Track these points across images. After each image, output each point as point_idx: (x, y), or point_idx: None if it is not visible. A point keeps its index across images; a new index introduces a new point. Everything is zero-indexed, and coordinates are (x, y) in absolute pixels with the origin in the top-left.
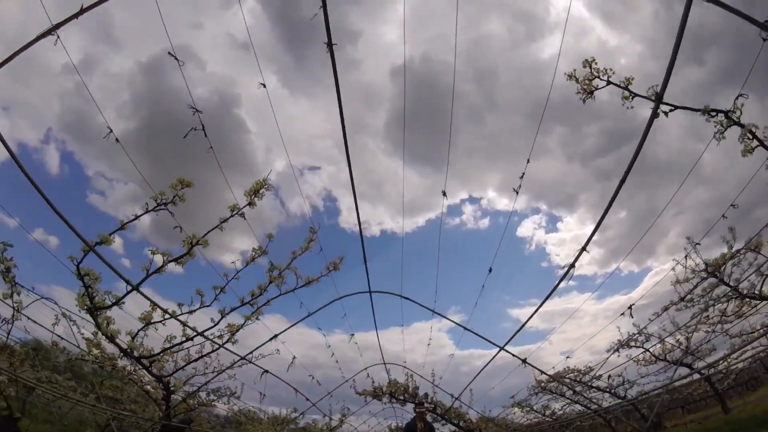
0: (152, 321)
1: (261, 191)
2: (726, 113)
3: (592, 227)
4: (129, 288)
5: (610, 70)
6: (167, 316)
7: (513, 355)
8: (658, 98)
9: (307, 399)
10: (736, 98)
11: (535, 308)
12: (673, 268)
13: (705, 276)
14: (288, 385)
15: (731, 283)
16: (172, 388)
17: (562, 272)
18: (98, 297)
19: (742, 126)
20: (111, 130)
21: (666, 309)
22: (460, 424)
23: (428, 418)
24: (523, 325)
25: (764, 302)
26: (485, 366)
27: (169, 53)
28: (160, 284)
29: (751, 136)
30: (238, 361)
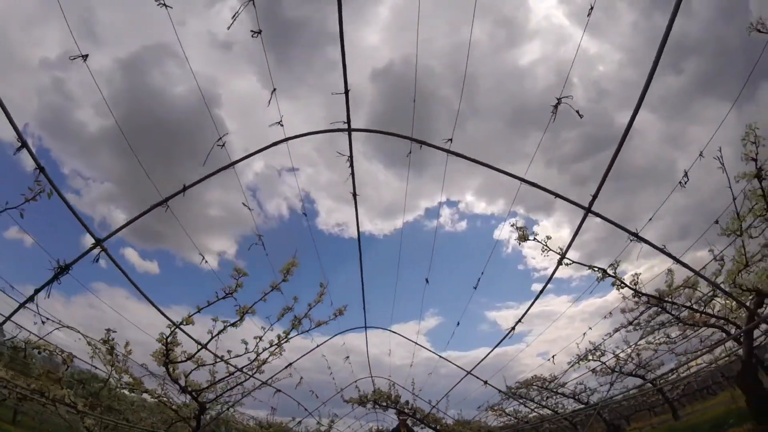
0: (203, 363)
1: (292, 269)
2: (605, 270)
3: (568, 230)
4: (199, 347)
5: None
6: (217, 360)
7: (477, 377)
8: (561, 255)
9: (306, 409)
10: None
11: (517, 316)
12: (623, 298)
13: (649, 306)
14: (294, 400)
15: (673, 312)
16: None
17: (538, 275)
18: (173, 353)
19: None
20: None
21: (617, 330)
22: (437, 428)
23: (408, 422)
24: (494, 348)
25: (703, 328)
26: (452, 388)
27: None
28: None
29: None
30: (260, 385)
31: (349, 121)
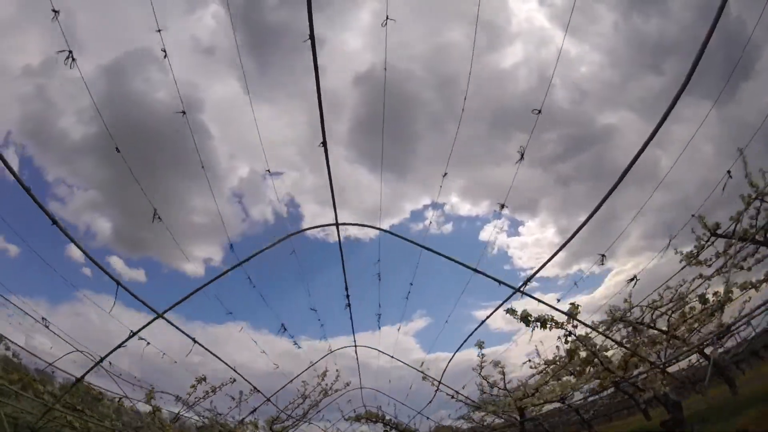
0: None
1: None
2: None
3: (552, 230)
4: None
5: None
6: None
7: (448, 387)
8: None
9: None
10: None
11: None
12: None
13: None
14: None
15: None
16: None
17: (524, 275)
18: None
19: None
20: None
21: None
22: None
23: None
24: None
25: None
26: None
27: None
28: (121, 292)
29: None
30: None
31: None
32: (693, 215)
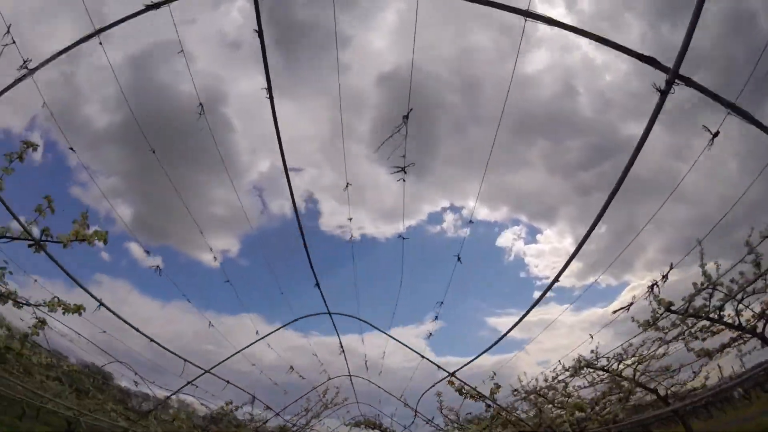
0: None
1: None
2: None
3: (570, 240)
4: None
5: None
6: None
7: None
8: None
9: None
10: None
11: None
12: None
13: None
14: None
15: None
16: None
17: (540, 284)
18: None
19: None
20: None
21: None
22: None
23: None
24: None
25: None
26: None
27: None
28: (137, 278)
29: None
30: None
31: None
32: (698, 243)
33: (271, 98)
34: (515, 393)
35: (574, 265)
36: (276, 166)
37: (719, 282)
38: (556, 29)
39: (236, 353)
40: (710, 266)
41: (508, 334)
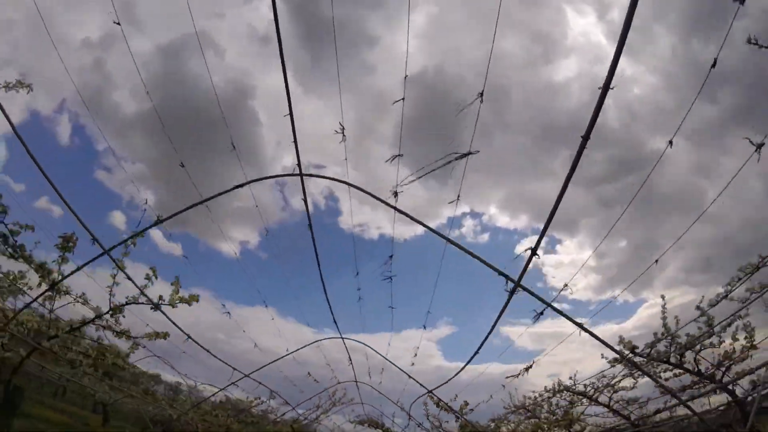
0: None
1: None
2: None
3: (589, 252)
4: None
5: None
6: None
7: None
8: None
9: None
10: None
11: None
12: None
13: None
14: None
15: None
16: None
17: (556, 294)
18: None
19: None
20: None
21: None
22: None
23: None
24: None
25: None
26: None
27: None
28: (160, 266)
29: None
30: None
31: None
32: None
33: (290, 106)
34: (506, 407)
35: (592, 278)
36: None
37: (677, 334)
38: (588, 39)
39: (277, 359)
40: (671, 320)
41: (522, 346)
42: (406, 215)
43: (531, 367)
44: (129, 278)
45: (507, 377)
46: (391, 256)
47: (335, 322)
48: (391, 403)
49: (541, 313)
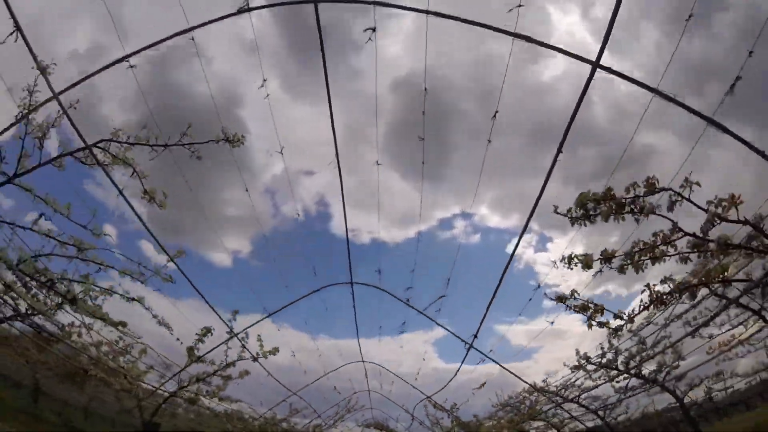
0: None
1: None
2: None
3: (581, 249)
4: None
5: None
6: None
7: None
8: None
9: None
10: None
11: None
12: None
13: None
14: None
15: None
16: None
17: (549, 292)
18: None
19: None
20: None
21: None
22: None
23: None
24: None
25: None
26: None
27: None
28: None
29: None
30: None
31: None
32: None
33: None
34: (494, 405)
35: (585, 274)
36: (290, 168)
37: (620, 349)
38: (573, 38)
39: (319, 378)
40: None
41: (520, 342)
42: None
43: (485, 384)
44: (235, 336)
45: (473, 389)
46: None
47: (359, 346)
48: (398, 407)
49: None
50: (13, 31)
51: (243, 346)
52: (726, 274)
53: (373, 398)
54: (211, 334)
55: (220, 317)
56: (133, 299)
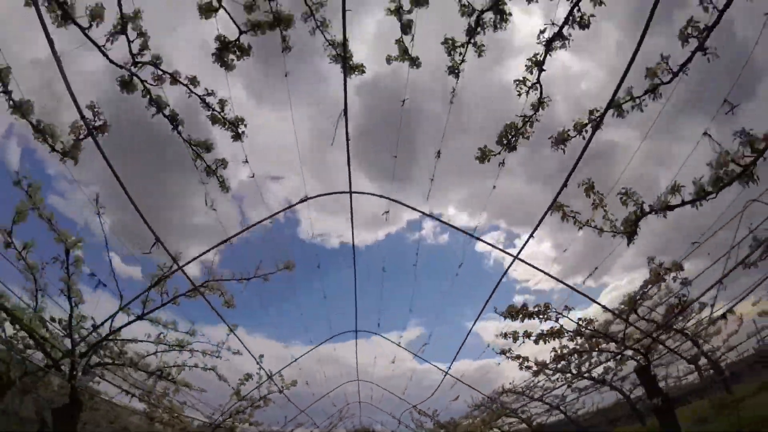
0: None
1: None
2: None
3: (548, 244)
4: None
5: None
6: None
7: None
8: None
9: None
10: None
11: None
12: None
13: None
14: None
15: None
16: None
17: (519, 287)
18: None
19: None
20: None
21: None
22: None
23: None
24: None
25: None
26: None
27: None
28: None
29: None
30: None
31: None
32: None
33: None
34: (469, 406)
35: (554, 269)
36: (258, 175)
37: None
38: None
39: (327, 394)
40: None
41: (493, 339)
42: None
43: (458, 398)
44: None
45: (450, 401)
46: None
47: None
48: (388, 407)
49: None
50: None
51: (278, 387)
52: None
53: (364, 408)
54: (251, 379)
55: (255, 359)
56: (210, 369)
